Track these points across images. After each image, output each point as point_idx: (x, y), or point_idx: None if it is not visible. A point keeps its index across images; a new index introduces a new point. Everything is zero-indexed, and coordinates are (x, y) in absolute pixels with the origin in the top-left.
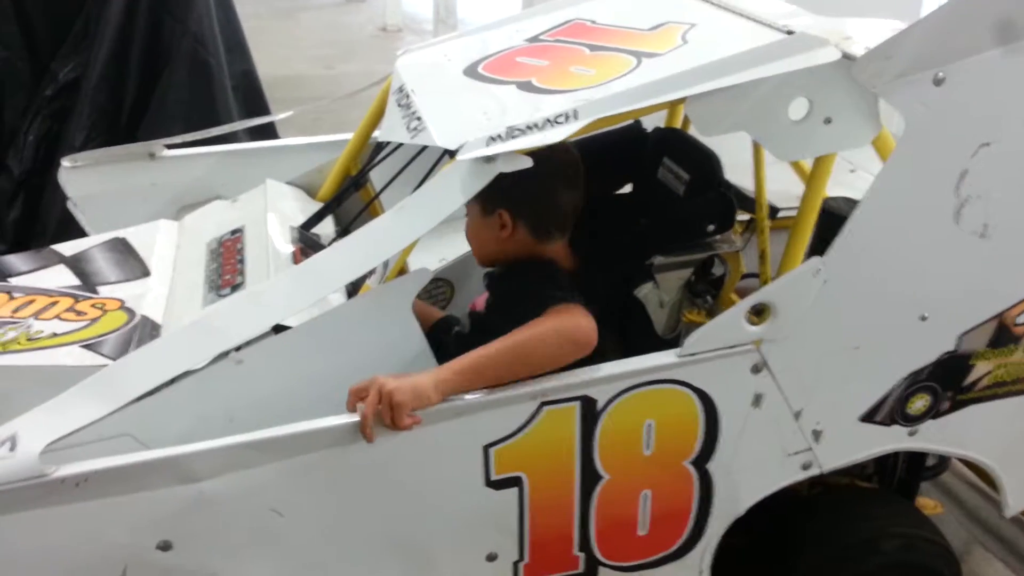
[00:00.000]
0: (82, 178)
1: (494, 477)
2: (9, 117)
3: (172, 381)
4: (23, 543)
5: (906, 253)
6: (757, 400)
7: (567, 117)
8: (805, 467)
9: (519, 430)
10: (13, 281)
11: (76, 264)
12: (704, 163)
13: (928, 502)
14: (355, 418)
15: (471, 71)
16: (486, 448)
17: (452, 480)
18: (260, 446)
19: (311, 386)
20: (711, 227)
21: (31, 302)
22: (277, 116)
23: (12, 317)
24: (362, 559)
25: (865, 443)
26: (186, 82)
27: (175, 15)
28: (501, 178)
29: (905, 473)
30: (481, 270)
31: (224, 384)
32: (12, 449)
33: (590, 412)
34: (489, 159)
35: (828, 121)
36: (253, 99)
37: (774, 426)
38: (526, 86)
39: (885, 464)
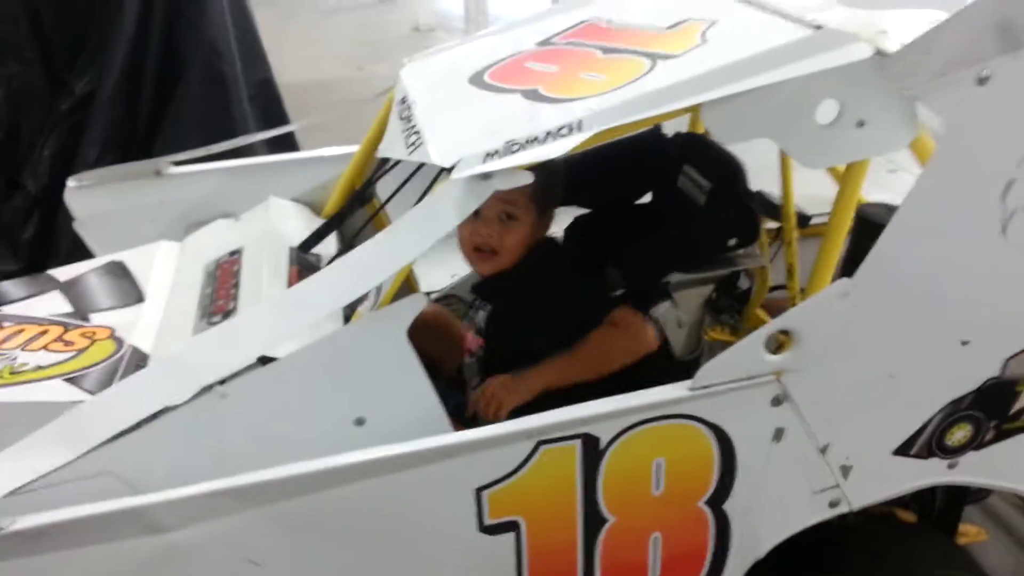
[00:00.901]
0: (88, 198)
1: (488, 522)
2: (26, 132)
3: (154, 417)
4: None
5: (947, 272)
6: (778, 435)
7: (570, 129)
8: (833, 505)
9: (514, 471)
10: (5, 309)
11: (70, 290)
12: (726, 171)
13: (971, 529)
14: (339, 461)
15: (476, 79)
16: (479, 491)
17: (442, 527)
18: (233, 494)
19: (302, 420)
20: (732, 241)
21: (20, 332)
22: (285, 128)
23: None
24: None
25: (900, 478)
26: (201, 93)
27: (189, 20)
28: (556, 176)
29: (945, 504)
30: None
31: (210, 419)
32: None
33: (592, 451)
34: (486, 176)
35: (861, 124)
36: (271, 109)
37: (798, 462)
38: (532, 95)
39: (924, 493)
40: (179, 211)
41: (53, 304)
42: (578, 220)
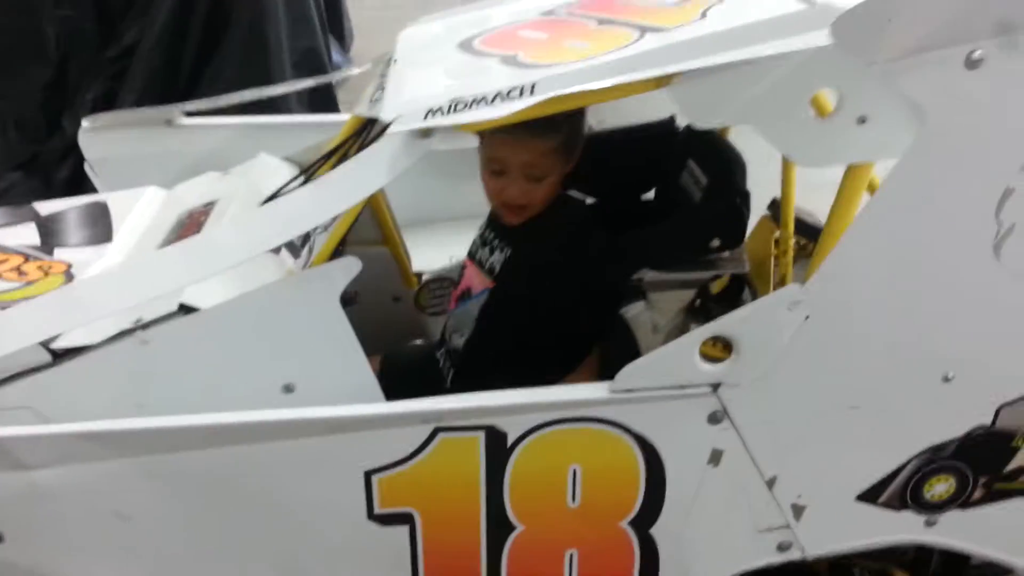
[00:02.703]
0: (100, 140)
1: (378, 510)
2: (73, 76)
3: (74, 354)
4: None
5: (921, 291)
6: (715, 457)
7: (522, 91)
8: (782, 548)
9: (408, 458)
10: None
11: (46, 224)
12: (724, 167)
13: None
14: (214, 419)
15: (465, 44)
16: (368, 474)
17: (329, 507)
18: (99, 439)
19: (227, 379)
20: (715, 242)
21: None
22: (282, 87)
23: None
24: None
25: (864, 529)
26: (243, 54)
27: None
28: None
29: (941, 569)
30: None
31: (130, 364)
32: None
33: (498, 447)
34: (425, 133)
35: (863, 120)
36: (316, 76)
37: (739, 492)
38: (509, 60)
39: (921, 556)
40: (186, 162)
41: (25, 235)
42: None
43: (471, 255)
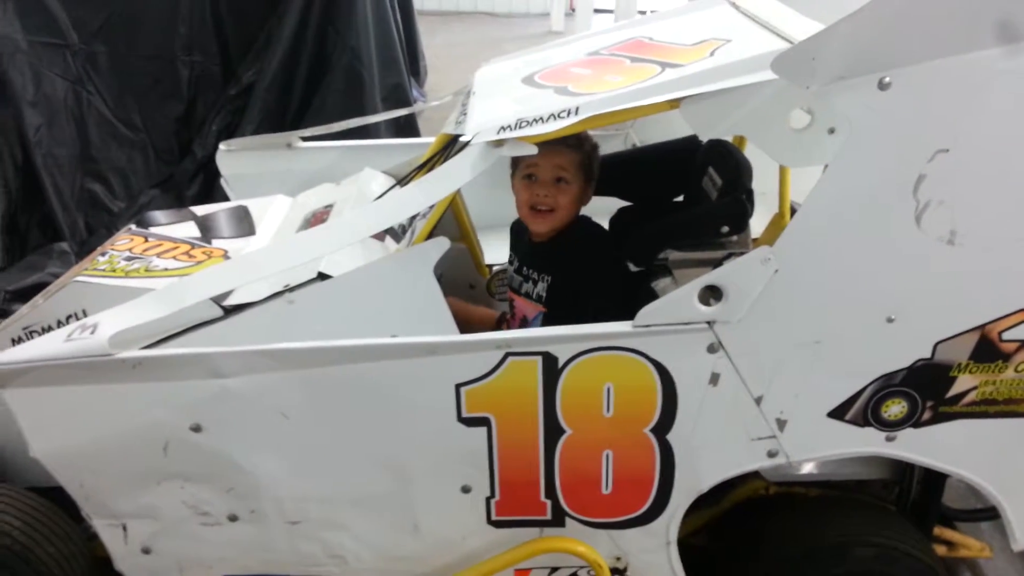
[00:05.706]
0: (233, 160)
1: (465, 414)
2: (201, 110)
3: (239, 310)
4: (94, 410)
5: (861, 251)
6: (714, 379)
7: (568, 113)
8: (771, 454)
9: (487, 375)
10: (153, 229)
11: (203, 221)
12: (735, 171)
13: (975, 543)
14: (353, 342)
15: (528, 79)
16: (458, 387)
17: (429, 411)
18: (270, 355)
19: (348, 328)
20: (725, 229)
21: (159, 245)
22: (376, 117)
23: (142, 254)
24: (354, 470)
25: (835, 440)
26: (342, 91)
27: (338, 29)
28: (596, 154)
29: (919, 496)
30: None
31: (278, 319)
32: (92, 333)
33: (551, 368)
34: (497, 143)
35: (832, 131)
36: (400, 108)
37: (735, 407)
38: (562, 91)
39: (902, 485)
40: (304, 178)
41: (187, 230)
42: (622, 210)
43: (515, 291)
